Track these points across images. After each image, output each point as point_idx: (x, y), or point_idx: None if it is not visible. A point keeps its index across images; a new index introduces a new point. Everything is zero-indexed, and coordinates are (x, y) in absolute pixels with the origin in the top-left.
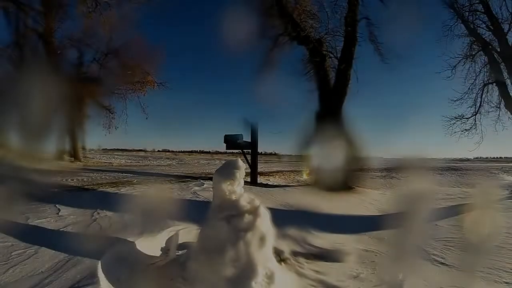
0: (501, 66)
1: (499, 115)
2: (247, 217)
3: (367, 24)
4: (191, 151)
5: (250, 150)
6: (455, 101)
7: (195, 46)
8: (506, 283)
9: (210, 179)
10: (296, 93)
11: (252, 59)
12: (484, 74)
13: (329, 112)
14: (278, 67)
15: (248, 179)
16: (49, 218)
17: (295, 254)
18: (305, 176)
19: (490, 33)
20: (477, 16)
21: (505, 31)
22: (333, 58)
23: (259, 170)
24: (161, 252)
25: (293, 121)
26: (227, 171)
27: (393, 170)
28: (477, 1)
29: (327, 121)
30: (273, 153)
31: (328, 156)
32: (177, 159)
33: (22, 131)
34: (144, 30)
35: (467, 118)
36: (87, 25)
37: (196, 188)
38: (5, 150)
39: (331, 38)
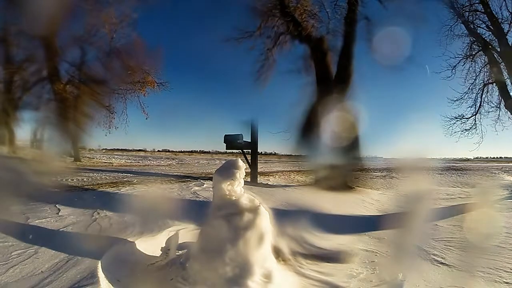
0: (501, 66)
1: (499, 115)
2: (247, 216)
3: (367, 25)
4: (191, 151)
5: (250, 150)
6: (455, 101)
7: (194, 45)
8: (506, 283)
9: (210, 179)
10: (295, 92)
11: (252, 58)
12: (484, 74)
13: (329, 110)
14: (277, 65)
15: (248, 179)
16: (49, 218)
17: (294, 253)
18: (310, 176)
19: (490, 33)
20: (477, 16)
21: (505, 31)
22: (334, 57)
23: (259, 170)
24: (161, 252)
25: (293, 121)
26: (227, 171)
27: (393, 170)
28: (477, 1)
29: (325, 119)
30: (273, 153)
31: (328, 154)
32: (177, 159)
33: None
34: (143, 30)
35: (467, 118)
36: (90, 23)
37: (196, 188)
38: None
39: (331, 38)
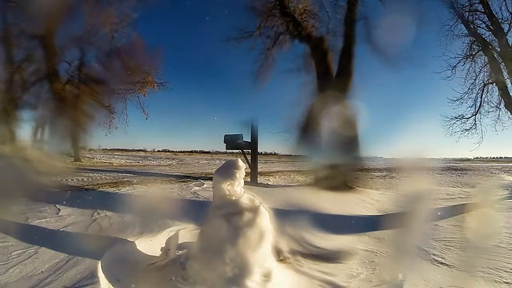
0: (501, 66)
1: (499, 115)
2: (247, 216)
3: (366, 25)
4: (191, 151)
5: (250, 150)
6: (455, 101)
7: (194, 44)
8: (506, 283)
9: (210, 179)
10: (295, 91)
11: (252, 58)
12: (484, 74)
13: (329, 109)
14: (276, 64)
15: (248, 179)
16: (49, 218)
17: (294, 253)
18: (310, 176)
19: (490, 33)
20: (477, 16)
21: (505, 31)
22: (334, 56)
23: (259, 170)
24: (161, 252)
25: (293, 121)
26: (227, 171)
27: (393, 170)
28: (477, 1)
29: (325, 118)
30: (273, 153)
31: (328, 154)
32: (177, 159)
33: None
34: (143, 30)
35: (467, 118)
36: (90, 23)
37: (196, 188)
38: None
39: (332, 38)
